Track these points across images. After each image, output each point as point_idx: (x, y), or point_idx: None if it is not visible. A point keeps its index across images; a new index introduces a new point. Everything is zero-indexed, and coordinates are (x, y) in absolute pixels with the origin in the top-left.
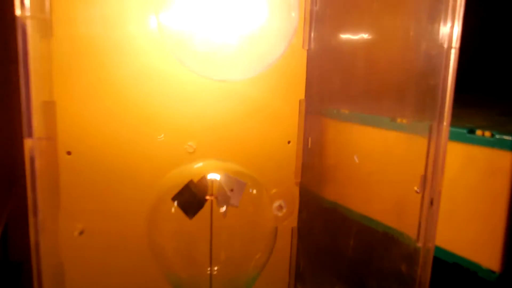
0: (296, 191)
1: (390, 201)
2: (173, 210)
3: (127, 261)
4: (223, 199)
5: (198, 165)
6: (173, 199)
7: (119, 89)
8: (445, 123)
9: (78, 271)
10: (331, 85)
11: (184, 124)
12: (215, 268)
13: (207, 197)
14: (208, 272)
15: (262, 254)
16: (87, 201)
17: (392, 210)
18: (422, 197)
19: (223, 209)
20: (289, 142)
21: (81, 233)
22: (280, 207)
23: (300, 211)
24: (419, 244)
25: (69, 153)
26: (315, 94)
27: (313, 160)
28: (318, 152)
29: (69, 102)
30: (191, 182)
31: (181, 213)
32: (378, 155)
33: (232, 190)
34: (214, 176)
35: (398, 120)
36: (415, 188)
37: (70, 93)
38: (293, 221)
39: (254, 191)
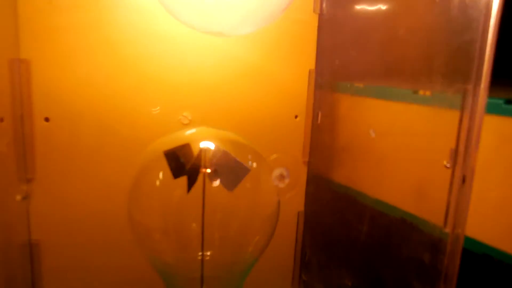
0: (303, 171)
1: (409, 184)
2: (158, 183)
3: (106, 241)
4: (219, 176)
5: (191, 131)
6: (165, 153)
7: (105, 49)
8: (482, 86)
9: (53, 246)
10: (344, 55)
11: (179, 91)
12: (208, 253)
13: (202, 170)
14: (200, 257)
15: (262, 237)
16: (65, 174)
17: (412, 194)
18: (452, 173)
19: (217, 183)
20: (296, 117)
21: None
22: (281, 177)
23: (307, 195)
24: (447, 230)
25: (47, 119)
26: (326, 66)
27: (322, 138)
28: (329, 129)
29: (46, 62)
30: (186, 146)
31: (167, 187)
32: (397, 132)
33: (230, 171)
34: (208, 145)
35: (421, 92)
36: (445, 162)
37: (47, 51)
38: (299, 205)
39: (254, 165)
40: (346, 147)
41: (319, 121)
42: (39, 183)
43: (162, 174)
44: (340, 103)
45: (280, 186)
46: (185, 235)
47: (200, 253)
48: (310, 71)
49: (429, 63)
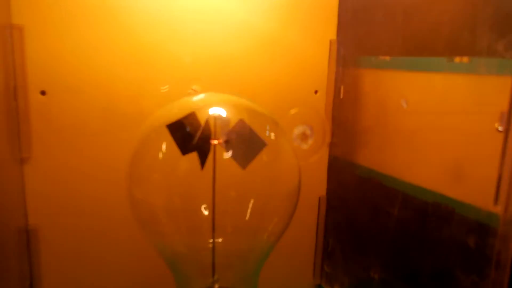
0: (325, 152)
1: (445, 163)
2: (161, 155)
3: (109, 226)
4: (231, 148)
5: (198, 97)
6: (168, 127)
7: (106, 15)
8: None
9: (52, 231)
10: (369, 24)
11: (188, 62)
12: (219, 239)
13: (212, 142)
14: (210, 244)
15: (280, 219)
16: (63, 152)
17: (448, 175)
18: (505, 138)
19: (228, 154)
20: (316, 92)
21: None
22: (304, 136)
23: (329, 179)
24: (497, 209)
25: (43, 92)
26: (348, 36)
27: (345, 116)
28: (352, 106)
29: (41, 28)
30: (191, 116)
31: (171, 161)
32: (430, 105)
33: (244, 144)
34: (219, 112)
35: (457, 59)
36: (496, 125)
37: (42, 16)
38: (321, 189)
39: (272, 136)
40: (372, 125)
41: (341, 96)
42: (35, 162)
43: (166, 146)
44: (364, 78)
45: (303, 148)
46: (192, 217)
47: (210, 240)
48: (331, 42)
49: (468, 21)
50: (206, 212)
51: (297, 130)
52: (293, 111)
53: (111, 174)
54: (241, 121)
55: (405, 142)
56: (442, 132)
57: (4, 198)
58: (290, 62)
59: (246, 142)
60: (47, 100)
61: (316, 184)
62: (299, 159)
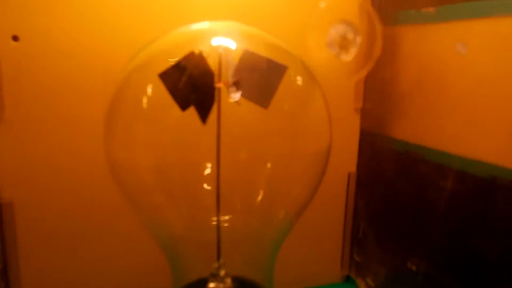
0: (355, 121)
1: (505, 131)
2: (144, 102)
3: (91, 196)
4: (242, 89)
5: (200, 26)
6: (161, 76)
7: None
8: None
9: (28, 205)
10: None
11: None
12: (225, 216)
13: (216, 85)
14: (214, 222)
15: (303, 190)
16: (42, 111)
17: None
18: None
19: (236, 96)
20: None
21: None
22: (344, 41)
23: (360, 153)
24: None
25: (15, 38)
26: None
27: (380, 78)
28: (389, 67)
29: None
30: (190, 55)
31: (159, 111)
32: (491, 57)
33: (259, 78)
34: (226, 44)
35: None
36: None
37: None
38: (350, 164)
39: (298, 80)
40: (412, 91)
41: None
42: (7, 125)
43: (153, 89)
44: (402, 36)
45: (343, 59)
46: (191, 186)
47: (214, 217)
48: None
49: None
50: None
51: (335, 31)
52: (322, 4)
53: (93, 134)
54: (246, 52)
55: (455, 108)
56: (505, 91)
57: None
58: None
59: (261, 74)
60: (20, 47)
61: (345, 158)
62: (336, 76)
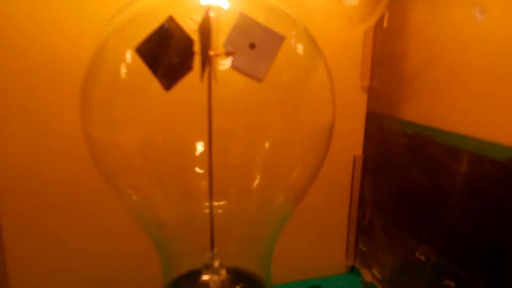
0: (362, 100)
1: None
2: (124, 73)
3: (74, 178)
4: (235, 57)
5: None
6: (138, 50)
7: None
8: None
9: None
10: None
11: None
12: (219, 202)
13: (210, 53)
14: (207, 208)
15: (303, 171)
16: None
17: None
18: None
19: (227, 62)
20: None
21: None
22: None
23: (367, 134)
24: None
25: None
26: None
27: (390, 51)
28: (399, 39)
29: None
30: (170, 20)
31: (140, 80)
32: (509, 28)
33: (253, 46)
34: (215, 3)
35: None
36: None
37: None
38: (356, 147)
39: (299, 48)
40: (422, 68)
41: (384, 25)
42: None
43: (132, 56)
44: (412, 7)
45: (348, 3)
46: (180, 168)
47: (207, 202)
48: None
49: None
50: (200, 170)
51: None
52: None
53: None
54: (242, 15)
55: (469, 85)
56: None
57: None
58: None
59: (256, 43)
60: None
61: (350, 140)
62: (339, 25)
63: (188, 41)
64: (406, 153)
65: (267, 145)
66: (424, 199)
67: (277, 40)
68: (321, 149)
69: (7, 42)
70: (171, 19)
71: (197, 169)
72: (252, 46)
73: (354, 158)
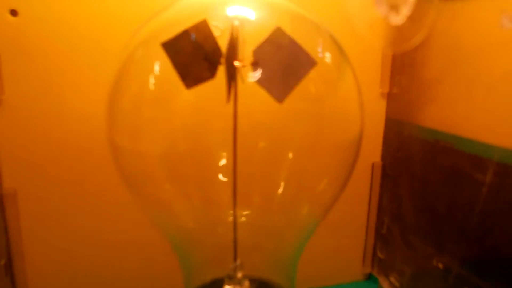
0: (381, 107)
1: None
2: (152, 83)
3: (93, 185)
4: (263, 70)
5: None
6: (165, 46)
7: None
8: None
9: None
10: None
11: None
12: (243, 212)
13: (235, 63)
14: (231, 217)
15: (330, 184)
16: (44, 90)
17: None
18: None
19: (256, 75)
20: None
21: None
22: (393, 2)
23: (385, 142)
24: None
25: (13, 12)
26: None
27: (409, 59)
28: (418, 47)
29: None
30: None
31: (168, 93)
32: None
33: (281, 65)
34: (244, 14)
35: None
36: None
37: None
38: (374, 153)
39: (327, 57)
40: (443, 73)
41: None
42: (8, 109)
43: (161, 68)
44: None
45: (392, 22)
46: (205, 178)
47: (231, 211)
48: None
49: None
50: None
51: None
52: None
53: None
54: (278, 30)
55: (492, 92)
56: None
57: None
58: None
59: (285, 61)
60: (20, 22)
61: (369, 147)
62: (388, 45)
63: (216, 49)
64: (426, 161)
65: (292, 156)
66: (445, 208)
67: (308, 63)
68: (347, 161)
69: (30, 48)
70: (204, 23)
71: (221, 178)
72: (281, 63)
73: (373, 165)
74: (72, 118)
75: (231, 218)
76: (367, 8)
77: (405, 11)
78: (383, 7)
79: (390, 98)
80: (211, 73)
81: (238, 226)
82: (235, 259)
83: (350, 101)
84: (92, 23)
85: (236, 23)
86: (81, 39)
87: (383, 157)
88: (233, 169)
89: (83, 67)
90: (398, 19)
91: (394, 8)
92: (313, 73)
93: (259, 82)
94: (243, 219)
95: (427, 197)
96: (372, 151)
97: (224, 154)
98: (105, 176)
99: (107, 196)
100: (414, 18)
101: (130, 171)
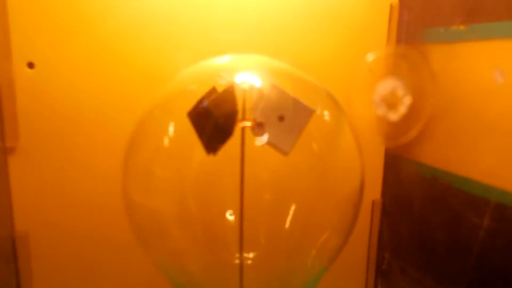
0: (380, 143)
1: None
2: (166, 142)
3: (105, 234)
4: (266, 130)
5: (223, 60)
6: (189, 114)
7: None
8: None
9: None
10: None
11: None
12: (249, 255)
13: (241, 124)
14: (237, 261)
15: (333, 233)
16: (58, 139)
17: None
18: None
19: (263, 139)
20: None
21: None
22: (393, 99)
23: (385, 180)
24: None
25: (30, 65)
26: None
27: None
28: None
29: None
30: (212, 91)
31: (181, 151)
32: None
33: (283, 118)
34: (250, 81)
35: None
36: None
37: None
38: (374, 191)
39: (326, 115)
40: (442, 113)
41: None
42: (22, 154)
43: (174, 128)
44: (431, 54)
45: (390, 119)
46: (213, 225)
47: (237, 254)
48: (391, 6)
49: None
50: (231, 218)
51: (382, 88)
52: (373, 56)
53: (110, 169)
54: (274, 87)
55: (488, 133)
56: None
57: None
58: (342, 29)
59: (286, 115)
60: (36, 74)
61: (369, 185)
62: (383, 138)
63: (233, 112)
64: (424, 198)
65: (294, 207)
66: (444, 247)
67: (307, 113)
68: (350, 210)
69: (45, 98)
70: (214, 90)
71: (229, 234)
72: (281, 118)
73: (373, 203)
74: (83, 165)
75: (237, 260)
76: (367, 106)
77: (402, 110)
78: (382, 108)
79: (390, 138)
80: (231, 132)
81: (245, 269)
82: None
83: (349, 153)
84: (106, 76)
85: (245, 86)
86: (95, 91)
87: (383, 194)
88: (240, 217)
89: (98, 117)
90: (395, 116)
91: (392, 107)
92: (313, 130)
93: (267, 142)
94: (249, 262)
95: (426, 234)
96: (372, 188)
97: (232, 211)
98: (113, 222)
99: (115, 240)
100: (410, 115)
101: (140, 224)
